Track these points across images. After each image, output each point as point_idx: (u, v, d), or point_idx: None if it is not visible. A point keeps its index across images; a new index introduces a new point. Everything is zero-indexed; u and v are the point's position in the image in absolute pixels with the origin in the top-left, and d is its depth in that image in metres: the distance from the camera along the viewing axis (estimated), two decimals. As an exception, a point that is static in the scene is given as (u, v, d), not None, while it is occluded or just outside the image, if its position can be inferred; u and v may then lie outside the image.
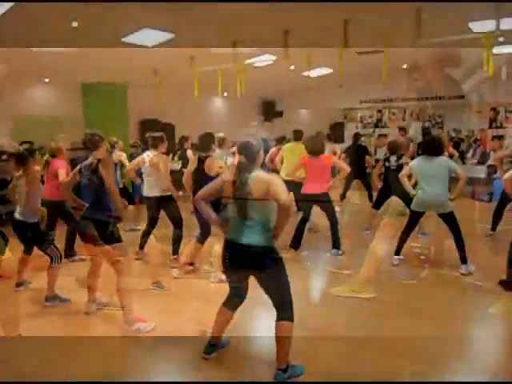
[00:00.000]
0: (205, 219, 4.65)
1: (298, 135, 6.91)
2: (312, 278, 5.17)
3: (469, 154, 13.38)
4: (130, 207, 7.27)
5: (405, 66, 9.45)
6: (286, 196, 2.71)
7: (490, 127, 12.86)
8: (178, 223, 5.17)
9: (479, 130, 13.18)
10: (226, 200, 2.90)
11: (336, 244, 5.66)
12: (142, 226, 5.72)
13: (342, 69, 6.63)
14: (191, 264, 5.03)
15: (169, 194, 5.11)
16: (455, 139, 11.90)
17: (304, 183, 5.77)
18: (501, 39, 5.48)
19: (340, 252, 5.63)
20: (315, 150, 5.56)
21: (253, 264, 2.80)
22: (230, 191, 2.84)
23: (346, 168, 5.56)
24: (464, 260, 4.93)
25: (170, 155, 7.83)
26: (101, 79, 8.83)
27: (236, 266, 2.89)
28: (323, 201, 5.65)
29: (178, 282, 4.82)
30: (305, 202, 5.75)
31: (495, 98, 10.78)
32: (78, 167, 3.82)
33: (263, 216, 2.81)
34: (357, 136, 8.67)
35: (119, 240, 3.71)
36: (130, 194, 7.30)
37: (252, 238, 2.78)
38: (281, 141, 8.08)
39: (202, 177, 4.53)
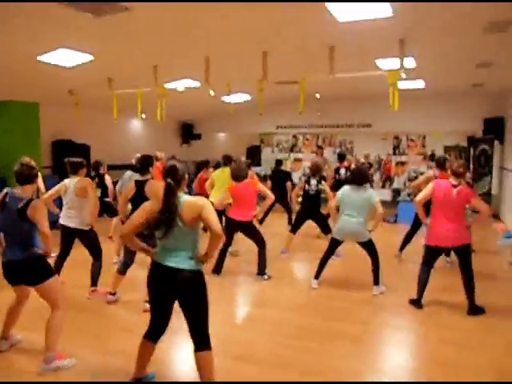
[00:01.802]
0: (128, 249, 4.61)
1: (226, 160, 7.02)
2: (236, 302, 5.23)
3: (375, 178, 14.35)
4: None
5: (318, 96, 9.96)
6: (218, 224, 2.79)
7: (394, 153, 13.92)
8: (97, 255, 4.96)
9: (387, 156, 14.21)
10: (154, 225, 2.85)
11: (262, 270, 5.78)
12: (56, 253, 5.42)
13: (262, 98, 6.85)
14: (113, 294, 4.85)
15: (88, 228, 4.89)
16: (366, 164, 12.71)
17: (230, 208, 5.86)
18: (403, 75, 5.99)
19: (266, 277, 5.75)
20: (240, 176, 5.67)
21: (180, 288, 2.79)
22: (157, 215, 2.79)
23: (271, 196, 5.72)
24: (377, 282, 5.25)
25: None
26: (11, 97, 8.32)
27: (162, 289, 2.85)
28: (247, 229, 5.76)
29: (101, 312, 4.63)
30: (229, 227, 5.82)
31: (398, 127, 11.71)
32: (3, 193, 3.42)
33: (191, 240, 2.84)
34: (279, 162, 9.03)
35: (52, 273, 3.48)
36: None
37: (180, 261, 2.78)
38: (205, 164, 8.16)
39: (142, 201, 4.30)
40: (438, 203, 4.55)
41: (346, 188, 5.27)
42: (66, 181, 4.95)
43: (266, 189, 5.81)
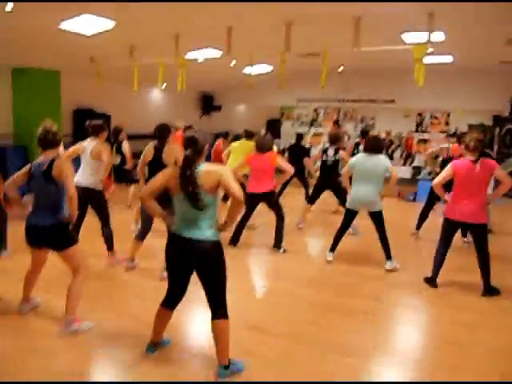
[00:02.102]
0: (146, 215, 4.69)
1: (248, 134, 7.04)
2: (251, 274, 5.30)
3: (396, 155, 14.14)
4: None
5: (341, 69, 9.77)
6: (239, 190, 2.79)
7: (416, 131, 13.66)
8: (105, 220, 5.03)
9: (408, 133, 13.95)
10: (173, 193, 2.89)
11: (278, 243, 5.84)
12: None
13: (284, 71, 6.75)
14: (131, 260, 4.95)
15: (99, 188, 4.94)
16: (387, 141, 12.55)
17: (248, 183, 5.88)
18: (430, 50, 5.83)
19: (281, 250, 5.80)
20: (265, 147, 5.70)
21: (198, 259, 2.82)
22: (176, 184, 2.82)
23: (290, 170, 5.73)
24: (389, 256, 5.26)
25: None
26: (33, 64, 8.37)
27: (181, 260, 2.88)
28: (270, 199, 5.80)
29: (118, 280, 4.74)
30: (249, 201, 5.85)
31: (421, 104, 11.45)
32: (28, 167, 3.50)
33: (210, 210, 2.85)
34: (300, 136, 8.97)
35: (76, 241, 3.56)
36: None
37: (199, 232, 2.80)
38: (225, 136, 8.16)
39: (159, 166, 4.17)
40: (461, 182, 4.49)
41: (359, 155, 5.31)
42: (85, 143, 5.00)
43: (285, 163, 5.82)
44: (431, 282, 4.78)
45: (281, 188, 8.54)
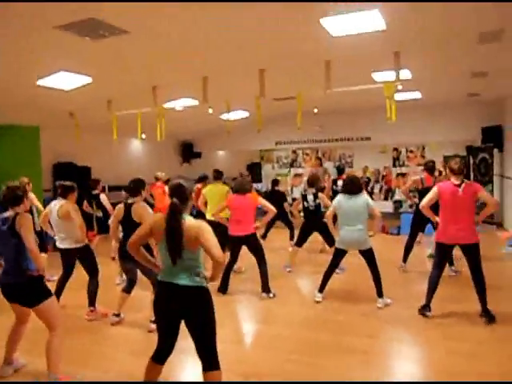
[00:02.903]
0: (126, 268, 4.63)
1: (218, 175, 7.04)
2: (242, 320, 5.18)
3: (376, 190, 14.35)
4: (43, 256, 6.83)
5: (316, 111, 10.02)
6: (218, 250, 2.76)
7: (394, 165, 13.94)
8: (93, 273, 4.95)
9: (384, 168, 14.22)
10: (157, 241, 2.87)
11: (266, 287, 5.74)
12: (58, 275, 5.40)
13: (260, 115, 6.89)
14: (117, 315, 4.81)
15: (82, 245, 4.87)
16: (364, 179, 12.74)
17: (229, 225, 5.85)
18: (399, 87, 6.04)
19: (271, 295, 5.70)
20: (243, 189, 5.70)
21: (187, 305, 2.77)
22: (161, 233, 2.80)
23: (273, 209, 5.72)
24: (380, 294, 5.21)
25: (85, 202, 7.52)
26: (12, 121, 8.39)
27: (169, 308, 2.82)
28: (252, 242, 5.74)
29: (105, 333, 4.58)
30: (233, 245, 5.80)
31: (396, 139, 11.74)
32: None
33: (195, 259, 2.82)
34: (275, 182, 8.97)
35: (49, 294, 3.46)
36: (43, 240, 6.85)
37: (186, 278, 2.77)
38: (203, 179, 8.15)
39: (132, 225, 4.10)
40: (446, 205, 4.56)
41: (340, 197, 5.33)
42: (52, 203, 4.94)
43: (267, 202, 5.82)
44: (425, 309, 4.75)
45: (265, 230, 8.51)
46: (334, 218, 5.45)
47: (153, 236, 2.88)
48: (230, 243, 5.83)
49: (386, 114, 5.90)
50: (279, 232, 9.14)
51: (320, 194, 6.73)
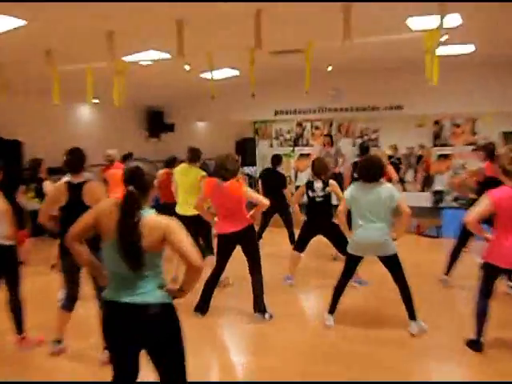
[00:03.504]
0: (69, 275, 4.60)
1: (194, 156, 7.03)
2: (228, 350, 5.19)
3: (408, 177, 14.37)
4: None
5: (330, 69, 9.98)
6: (193, 252, 2.77)
7: (435, 145, 13.93)
8: (14, 284, 4.84)
9: (420, 148, 14.22)
10: (104, 239, 2.86)
11: (260, 305, 5.72)
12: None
13: (254, 75, 6.84)
14: (58, 341, 4.79)
15: (7, 243, 4.78)
16: (393, 160, 12.74)
17: (216, 222, 5.83)
18: (445, 37, 6.02)
19: (267, 316, 5.71)
20: (225, 171, 5.59)
21: (146, 330, 2.78)
22: (110, 228, 2.80)
23: (264, 201, 5.66)
24: (413, 316, 5.22)
25: (21, 187, 7.45)
26: None
27: (123, 335, 2.82)
28: (247, 240, 5.76)
29: (41, 368, 4.57)
30: (221, 246, 5.77)
31: (438, 109, 11.71)
32: None
33: (156, 264, 2.85)
34: (276, 159, 8.97)
35: None
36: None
37: (144, 294, 2.78)
38: (171, 163, 8.10)
39: (77, 210, 3.73)
40: (504, 218, 4.48)
41: (353, 187, 5.37)
42: None
43: (255, 193, 5.79)
44: (475, 345, 4.74)
45: (260, 228, 8.50)
46: (348, 215, 5.46)
47: (98, 230, 2.87)
48: (219, 245, 5.81)
49: (424, 75, 5.87)
50: (277, 232, 9.16)
51: (331, 182, 6.71)
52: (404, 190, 13.66)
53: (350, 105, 12.19)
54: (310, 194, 6.75)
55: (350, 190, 5.34)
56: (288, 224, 8.55)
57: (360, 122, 14.57)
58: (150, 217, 2.82)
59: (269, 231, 8.73)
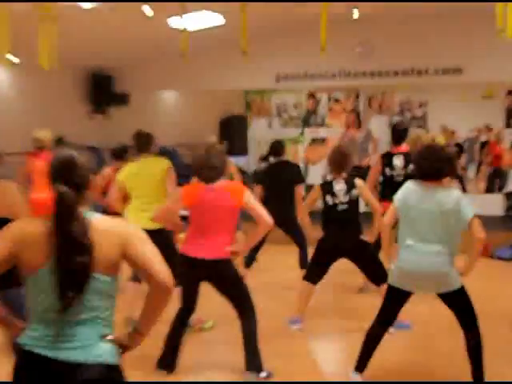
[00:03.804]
0: None
1: (142, 142, 7.04)
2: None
3: (469, 174, 14.40)
4: None
5: (356, 15, 10.02)
6: (165, 270, 2.82)
7: (508, 125, 13.92)
8: None
9: (487, 130, 14.26)
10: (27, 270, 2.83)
11: (254, 361, 5.71)
12: None
13: (246, 23, 6.86)
14: None
15: None
16: (451, 147, 12.73)
17: (185, 238, 5.82)
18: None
19: (263, 374, 5.68)
20: (210, 171, 5.60)
21: None
22: (38, 252, 2.78)
23: (267, 220, 5.59)
24: (480, 377, 5.19)
25: None
26: None
27: None
28: (224, 276, 5.71)
29: None
30: (187, 276, 5.76)
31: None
32: None
33: (105, 301, 2.86)
34: (276, 146, 8.93)
35: None
36: None
37: (81, 348, 2.78)
38: (121, 155, 8.08)
39: None
40: None
41: (407, 188, 5.32)
42: None
43: (259, 205, 5.73)
44: None
45: (253, 251, 8.45)
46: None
47: (19, 262, 2.83)
48: (183, 272, 5.78)
49: (493, 24, 5.88)
50: (279, 250, 9.14)
51: (359, 182, 6.69)
52: (463, 190, 13.69)
53: (384, 67, 12.22)
54: (329, 199, 6.72)
55: (404, 193, 5.29)
56: (299, 240, 8.48)
57: (399, 92, 14.60)
58: (99, 220, 2.84)
59: (266, 249, 8.69)
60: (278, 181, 8.50)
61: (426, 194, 5.14)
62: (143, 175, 6.86)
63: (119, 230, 2.85)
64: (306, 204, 7.28)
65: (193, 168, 5.80)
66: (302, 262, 8.34)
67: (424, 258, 5.11)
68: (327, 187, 6.78)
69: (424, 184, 5.17)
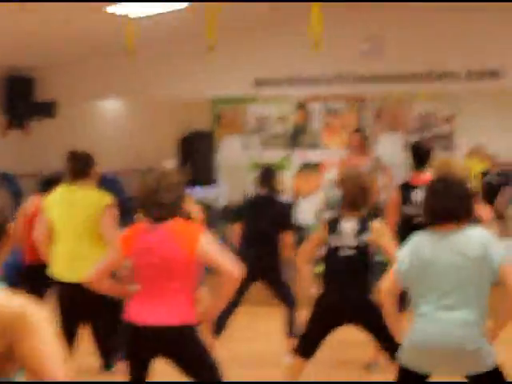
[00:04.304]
0: None
1: (81, 165, 7.14)
2: None
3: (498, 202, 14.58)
4: None
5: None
6: (59, 369, 2.72)
7: None
8: None
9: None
10: None
11: None
12: None
13: (214, 9, 6.98)
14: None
15: None
16: (486, 179, 12.90)
17: (132, 298, 5.85)
18: None
19: None
20: (159, 212, 5.61)
21: None
22: None
23: (235, 272, 5.60)
24: None
25: None
26: None
27: None
28: (184, 349, 5.73)
29: None
30: (134, 350, 5.79)
31: None
32: None
33: None
34: (265, 177, 9.06)
35: None
36: None
37: None
38: (51, 185, 8.13)
39: None
40: None
41: (416, 242, 5.33)
42: None
43: (221, 252, 5.73)
44: None
45: (224, 313, 8.48)
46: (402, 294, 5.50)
47: None
48: (129, 345, 5.80)
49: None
50: (258, 313, 9.20)
51: (376, 226, 6.68)
52: (503, 233, 13.81)
53: (397, 70, 12.37)
54: (332, 241, 6.78)
55: (412, 246, 5.30)
56: (286, 298, 8.54)
57: (418, 102, 14.74)
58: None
59: (243, 312, 8.75)
60: (262, 220, 8.57)
61: (442, 242, 5.22)
62: (74, 210, 6.91)
63: (9, 313, 2.49)
64: (304, 248, 7.20)
65: (139, 200, 5.80)
66: (290, 328, 8.39)
67: (446, 330, 5.11)
68: (332, 225, 6.80)
69: (438, 230, 5.27)
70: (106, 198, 6.94)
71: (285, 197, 10.14)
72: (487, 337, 5.09)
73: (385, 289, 5.34)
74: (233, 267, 5.53)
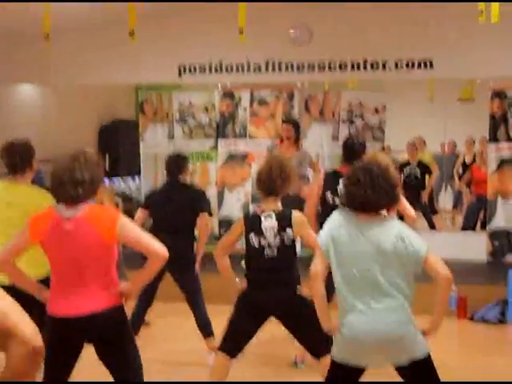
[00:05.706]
0: None
1: (19, 158, 7.03)
2: None
3: (443, 204, 14.67)
4: None
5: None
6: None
7: (493, 138, 14.21)
8: None
9: (467, 145, 14.55)
10: None
11: None
12: None
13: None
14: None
15: None
16: (411, 171, 12.99)
17: (50, 292, 5.78)
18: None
19: None
20: (73, 192, 5.47)
21: None
22: None
23: (161, 251, 5.57)
24: None
25: None
26: None
27: None
28: (110, 338, 5.70)
29: None
30: (54, 346, 5.72)
31: (498, 68, 11.98)
32: None
33: None
34: (176, 164, 8.93)
35: None
36: None
37: None
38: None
39: None
40: None
41: (335, 218, 5.41)
42: None
43: (144, 234, 5.70)
44: None
45: (138, 305, 8.44)
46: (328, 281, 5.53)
47: None
48: (49, 340, 5.71)
49: (473, 11, 6.07)
50: (179, 308, 9.19)
51: (296, 217, 6.72)
52: (432, 227, 13.88)
53: (328, 57, 12.40)
54: (254, 241, 6.66)
55: (331, 228, 5.34)
56: (192, 294, 8.62)
57: (348, 91, 14.80)
58: None
59: (162, 307, 8.72)
60: (170, 207, 8.59)
61: (360, 230, 5.27)
62: (18, 209, 6.77)
63: None
64: (222, 242, 7.10)
65: (51, 183, 5.68)
66: (202, 327, 8.42)
67: (374, 318, 5.13)
68: (252, 224, 6.69)
69: (359, 216, 5.27)
70: (45, 197, 6.59)
71: (211, 189, 10.06)
72: (426, 330, 5.19)
73: (314, 271, 5.36)
74: (158, 245, 5.52)
